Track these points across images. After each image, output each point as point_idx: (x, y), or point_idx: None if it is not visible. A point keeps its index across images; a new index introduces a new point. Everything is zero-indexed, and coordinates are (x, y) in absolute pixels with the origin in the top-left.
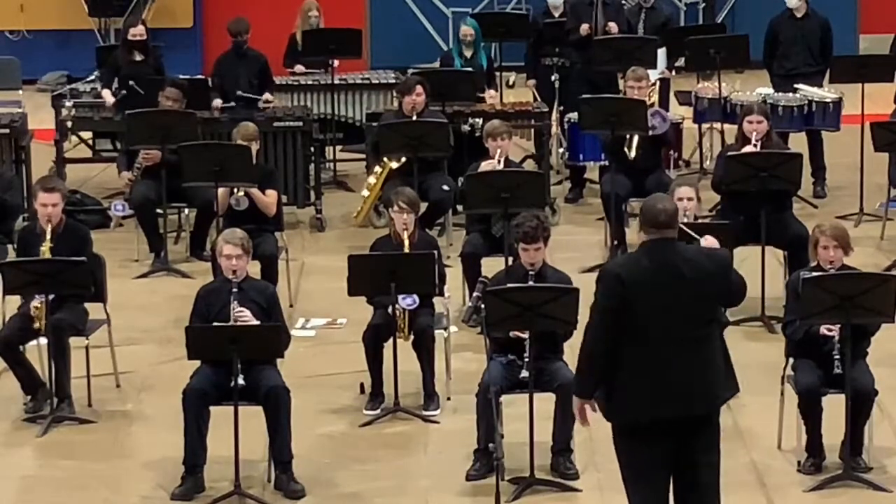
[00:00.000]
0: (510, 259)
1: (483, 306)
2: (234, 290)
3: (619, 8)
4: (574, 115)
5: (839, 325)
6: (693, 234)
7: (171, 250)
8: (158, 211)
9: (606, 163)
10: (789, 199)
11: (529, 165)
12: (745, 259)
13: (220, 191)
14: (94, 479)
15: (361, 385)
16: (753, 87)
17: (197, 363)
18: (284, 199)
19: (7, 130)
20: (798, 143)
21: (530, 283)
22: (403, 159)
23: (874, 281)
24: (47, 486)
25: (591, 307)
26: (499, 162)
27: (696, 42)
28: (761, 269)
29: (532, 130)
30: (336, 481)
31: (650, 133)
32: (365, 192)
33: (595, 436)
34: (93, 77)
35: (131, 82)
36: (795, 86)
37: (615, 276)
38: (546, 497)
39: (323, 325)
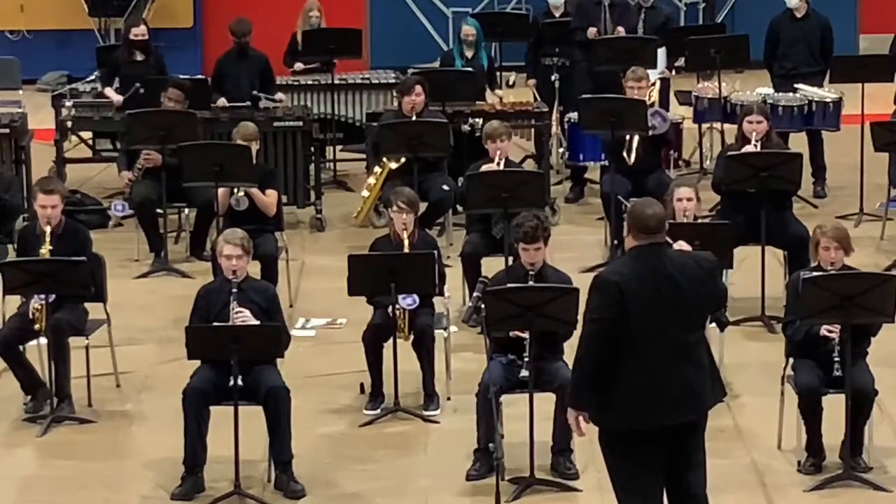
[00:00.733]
0: (510, 259)
1: (483, 306)
2: (234, 290)
3: (626, 8)
4: (574, 115)
5: (839, 327)
6: (667, 239)
7: (171, 250)
8: (158, 211)
9: (606, 163)
10: (789, 199)
11: (529, 165)
12: (745, 259)
13: (220, 191)
14: (94, 479)
15: (361, 385)
16: (753, 87)
17: (197, 363)
18: (284, 199)
19: (7, 130)
20: (798, 143)
21: (530, 283)
22: (403, 160)
23: (874, 281)
24: (47, 486)
25: (586, 317)
26: (498, 164)
27: (696, 42)
28: (761, 269)
29: (532, 130)
30: (336, 481)
31: (650, 133)
32: (365, 193)
33: (595, 436)
34: (93, 77)
35: (137, 84)
36: (795, 86)
37: (614, 285)
38: (546, 497)
39: (323, 325)
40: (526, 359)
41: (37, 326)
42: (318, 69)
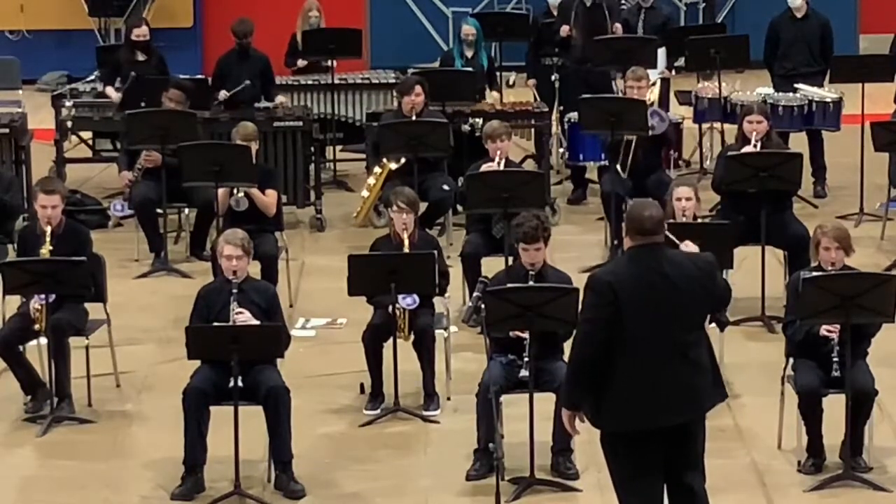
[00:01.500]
0: (510, 259)
1: (483, 306)
2: (234, 290)
3: (616, 9)
4: (574, 115)
5: (838, 327)
6: (674, 239)
7: (171, 250)
8: (158, 211)
9: (606, 163)
10: (789, 199)
11: (529, 165)
12: (745, 259)
13: (220, 191)
14: (94, 479)
15: (361, 385)
16: (753, 87)
17: (197, 363)
18: (284, 199)
19: (7, 130)
20: (798, 143)
21: (530, 283)
22: (403, 160)
23: (874, 281)
24: (47, 486)
25: (581, 317)
26: (498, 164)
27: (696, 42)
28: (761, 269)
29: (532, 130)
30: (336, 481)
31: (649, 133)
32: (364, 193)
33: (595, 436)
34: (93, 77)
35: (133, 74)
36: (796, 86)
37: (607, 285)
38: (546, 497)
39: (323, 325)
40: (526, 359)
41: (37, 326)
42: (319, 67)
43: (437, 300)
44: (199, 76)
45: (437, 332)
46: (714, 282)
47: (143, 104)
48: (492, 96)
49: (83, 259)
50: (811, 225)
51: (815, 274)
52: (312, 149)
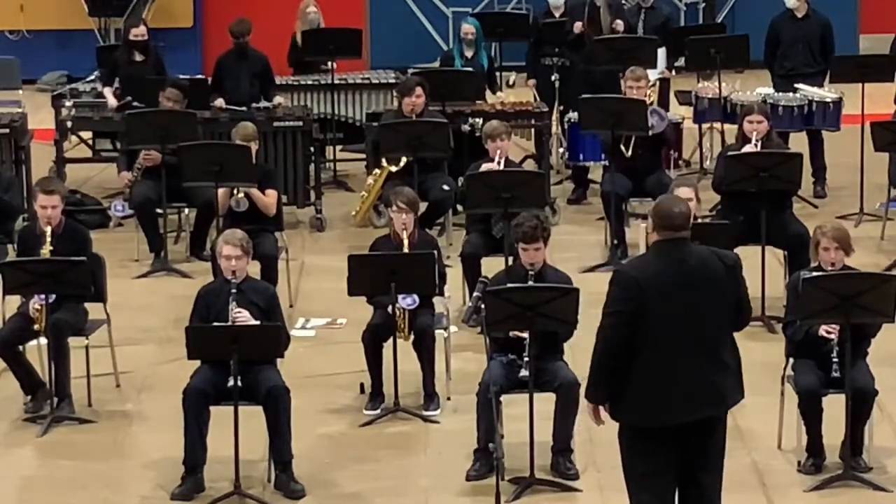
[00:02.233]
0: (510, 259)
1: (483, 306)
2: (233, 291)
3: (619, 8)
4: (574, 115)
5: (838, 327)
6: None
7: (171, 250)
8: (158, 211)
9: (607, 163)
10: (789, 199)
11: (529, 165)
12: (745, 259)
13: (220, 191)
14: (94, 479)
15: (361, 385)
16: (753, 87)
17: (197, 363)
18: (284, 199)
19: (7, 130)
20: (798, 143)
21: (530, 283)
22: (403, 162)
23: (874, 281)
24: (47, 486)
25: (605, 311)
26: (498, 164)
27: (696, 42)
28: (761, 269)
29: (532, 130)
30: (336, 481)
31: (649, 132)
32: (364, 194)
33: (595, 436)
34: (93, 77)
35: (128, 98)
36: (796, 86)
37: (632, 279)
38: (546, 497)
39: (323, 325)
40: (526, 359)
41: (37, 326)
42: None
43: (437, 300)
44: (199, 76)
45: (437, 332)
46: (736, 281)
47: (134, 103)
48: (492, 96)
49: (83, 259)
50: (811, 225)
51: (814, 274)
52: (312, 149)
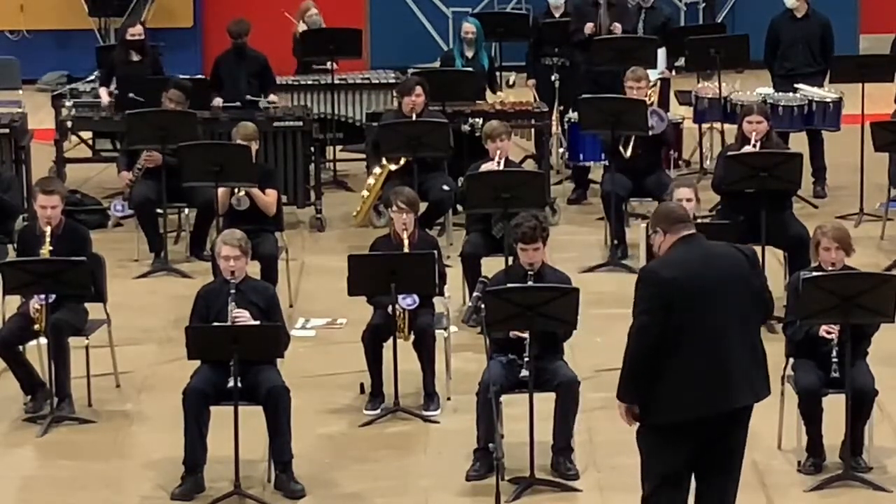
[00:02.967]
0: (510, 259)
1: (483, 306)
2: (233, 291)
3: (624, 9)
4: (574, 115)
5: (838, 328)
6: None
7: (171, 250)
8: (158, 211)
9: (607, 163)
10: (789, 199)
11: (529, 165)
12: None
13: (220, 191)
14: (94, 479)
15: (361, 385)
16: (753, 87)
17: (197, 363)
18: (284, 199)
19: (7, 130)
20: (798, 143)
21: (529, 283)
22: (403, 161)
23: (874, 281)
24: (47, 486)
25: (637, 311)
26: (498, 164)
27: (696, 42)
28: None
29: (532, 130)
30: (336, 481)
31: (649, 133)
32: (364, 193)
33: (595, 436)
34: (93, 77)
35: (130, 95)
36: (796, 86)
37: (660, 276)
38: (546, 497)
39: (323, 325)
40: (526, 359)
41: (37, 326)
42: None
43: (437, 300)
44: (199, 76)
45: (437, 332)
46: (757, 272)
47: (136, 98)
48: (492, 96)
49: (83, 259)
50: (811, 225)
51: (815, 274)
52: (312, 149)
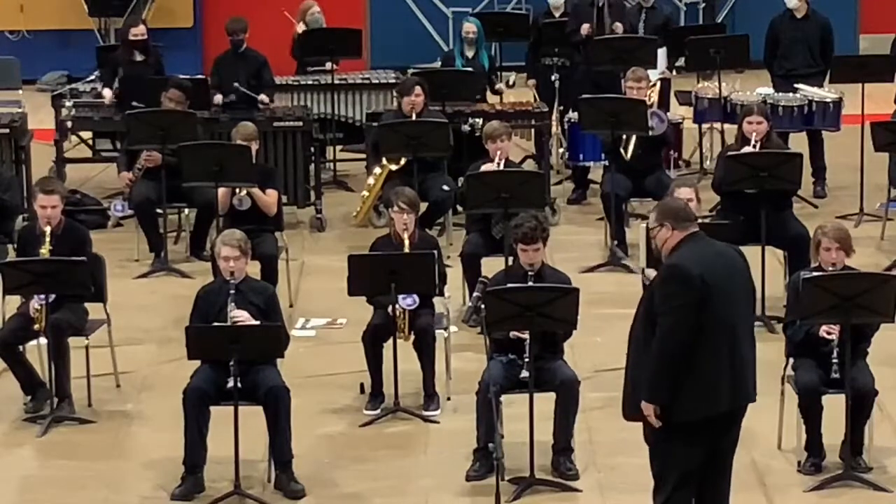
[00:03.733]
0: (510, 259)
1: (483, 306)
2: (232, 291)
3: (621, 9)
4: (574, 115)
5: (838, 328)
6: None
7: (171, 250)
8: (158, 211)
9: (607, 163)
10: (789, 199)
11: (529, 165)
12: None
13: (221, 191)
14: (94, 479)
15: (361, 385)
16: (753, 87)
17: (197, 363)
18: (284, 199)
19: (7, 130)
20: (798, 143)
21: (529, 283)
22: (403, 161)
23: (874, 281)
24: (47, 486)
25: (665, 308)
26: (498, 164)
27: (697, 42)
28: (761, 269)
29: (532, 130)
30: (336, 481)
31: (648, 133)
32: (364, 193)
33: (595, 436)
34: (93, 77)
35: (134, 103)
36: (795, 86)
37: (691, 273)
38: (546, 497)
39: (323, 325)
40: (526, 359)
41: (37, 326)
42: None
43: (437, 300)
44: (199, 76)
45: (437, 332)
46: (751, 273)
47: (133, 103)
48: (492, 96)
49: (83, 259)
50: (811, 225)
51: (815, 274)
52: (312, 149)
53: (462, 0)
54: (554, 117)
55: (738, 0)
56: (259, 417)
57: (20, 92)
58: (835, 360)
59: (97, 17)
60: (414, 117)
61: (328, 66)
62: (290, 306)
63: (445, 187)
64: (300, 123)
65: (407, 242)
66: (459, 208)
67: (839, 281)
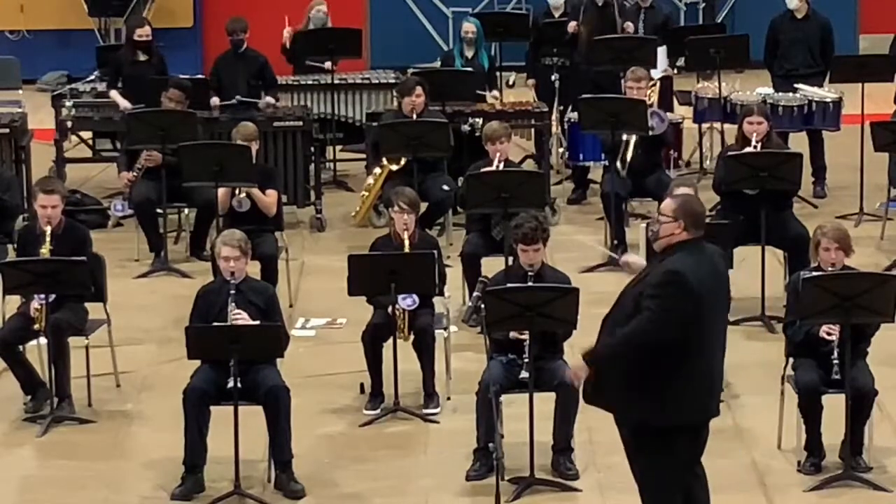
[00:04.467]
0: (510, 259)
1: (483, 306)
2: (232, 291)
3: (621, 9)
4: (574, 115)
5: (838, 329)
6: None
7: (171, 250)
8: (158, 211)
9: (607, 163)
10: (789, 199)
11: (529, 165)
12: (745, 259)
13: (221, 191)
14: (94, 479)
15: (361, 385)
16: (753, 87)
17: (197, 363)
18: (284, 199)
19: (7, 130)
20: (798, 143)
21: (529, 283)
22: (403, 161)
23: (874, 281)
24: (47, 486)
25: (660, 307)
26: (498, 166)
27: (696, 42)
28: (761, 269)
29: (532, 130)
30: (336, 481)
31: (648, 133)
32: (364, 194)
33: (595, 436)
34: (93, 77)
35: (142, 106)
36: (795, 86)
37: (692, 286)
38: (546, 497)
39: (323, 325)
40: (526, 359)
41: (37, 326)
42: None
43: (437, 300)
44: (199, 76)
45: (436, 331)
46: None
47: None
48: (493, 97)
49: (83, 259)
50: (811, 225)
51: (814, 274)
52: (312, 149)
53: (462, 0)
54: (554, 117)
55: (738, 0)
56: (259, 417)
57: (20, 92)
58: (835, 360)
59: (97, 17)
60: (414, 117)
61: (327, 65)
62: (290, 306)
63: (445, 187)
64: (300, 123)
65: (407, 242)
66: (459, 209)
67: (839, 281)
